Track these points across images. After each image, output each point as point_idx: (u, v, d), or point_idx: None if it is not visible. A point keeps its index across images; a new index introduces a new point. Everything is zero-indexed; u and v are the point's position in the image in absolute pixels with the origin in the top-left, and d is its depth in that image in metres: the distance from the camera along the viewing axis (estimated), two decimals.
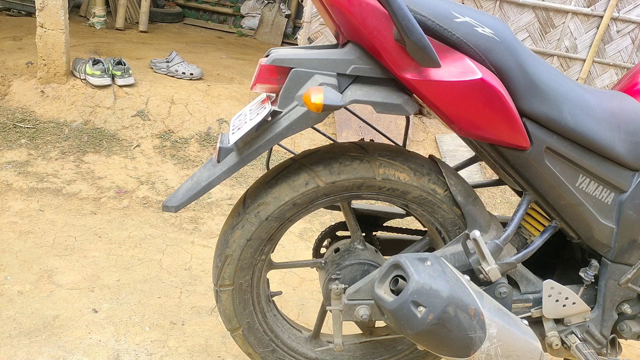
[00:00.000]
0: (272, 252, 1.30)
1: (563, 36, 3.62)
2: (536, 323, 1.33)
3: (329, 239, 1.51)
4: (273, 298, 1.43)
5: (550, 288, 1.28)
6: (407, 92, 1.08)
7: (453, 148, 3.44)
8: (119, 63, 3.15)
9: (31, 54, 3.34)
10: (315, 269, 1.47)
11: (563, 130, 1.13)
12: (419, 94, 1.05)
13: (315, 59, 1.04)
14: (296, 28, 5.82)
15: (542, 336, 1.33)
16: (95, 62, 3.10)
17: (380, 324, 1.38)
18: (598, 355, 1.36)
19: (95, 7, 4.60)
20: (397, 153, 1.21)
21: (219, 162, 1.11)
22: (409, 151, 1.24)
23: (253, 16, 5.87)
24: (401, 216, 1.51)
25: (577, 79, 3.72)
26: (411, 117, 3.26)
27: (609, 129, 1.18)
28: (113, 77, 3.15)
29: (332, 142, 1.36)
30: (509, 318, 1.13)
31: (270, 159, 1.44)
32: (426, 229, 1.40)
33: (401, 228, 1.56)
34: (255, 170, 3.00)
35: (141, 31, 4.76)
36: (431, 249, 1.37)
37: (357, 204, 1.47)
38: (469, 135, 1.10)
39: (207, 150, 3.05)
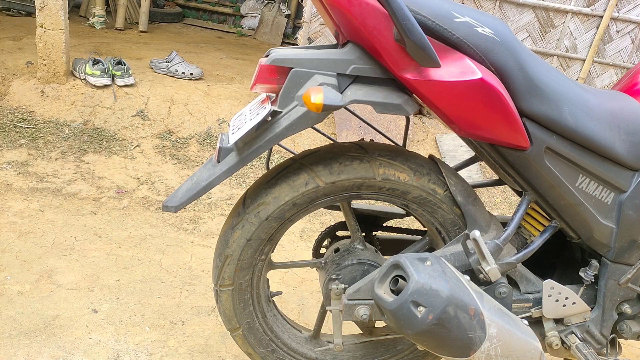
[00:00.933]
0: (272, 252, 1.30)
1: (563, 36, 3.62)
2: (536, 323, 1.33)
3: (329, 239, 1.51)
4: (273, 298, 1.43)
5: (550, 288, 1.28)
6: (407, 92, 1.08)
7: (453, 148, 3.44)
8: (119, 63, 3.15)
9: (31, 54, 3.34)
10: (315, 269, 1.47)
11: (563, 130, 1.13)
12: (419, 94, 1.05)
13: (315, 59, 1.04)
14: (296, 28, 5.82)
15: (542, 336, 1.33)
16: (95, 62, 3.10)
17: (380, 324, 1.38)
18: (598, 355, 1.36)
19: (95, 7, 4.60)
20: (397, 153, 1.21)
21: (219, 162, 1.11)
22: (409, 151, 1.24)
23: (253, 16, 5.87)
24: (401, 216, 1.51)
25: (577, 79, 3.72)
26: (411, 117, 3.26)
27: (609, 129, 1.18)
28: (113, 77, 3.15)
29: (332, 142, 1.36)
30: (509, 318, 1.13)
31: (270, 159, 1.44)
32: (426, 229, 1.40)
33: (401, 228, 1.56)
34: (255, 170, 3.00)
35: (141, 31, 4.76)
36: (431, 249, 1.37)
37: (357, 204, 1.47)
38: (469, 135, 1.10)
39: (207, 150, 3.05)
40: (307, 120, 1.03)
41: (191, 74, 3.54)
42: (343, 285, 1.26)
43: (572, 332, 1.33)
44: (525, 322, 1.20)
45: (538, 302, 1.31)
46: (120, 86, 3.17)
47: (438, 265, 1.09)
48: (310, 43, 3.54)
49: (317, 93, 0.95)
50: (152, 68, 3.60)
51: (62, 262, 1.98)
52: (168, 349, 1.66)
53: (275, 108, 1.05)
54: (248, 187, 1.26)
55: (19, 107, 3.01)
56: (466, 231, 1.24)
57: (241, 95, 3.47)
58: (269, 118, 1.07)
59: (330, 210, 2.32)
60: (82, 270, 1.96)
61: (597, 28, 3.58)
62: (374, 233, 1.52)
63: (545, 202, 1.22)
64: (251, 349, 1.37)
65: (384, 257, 1.36)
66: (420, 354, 1.45)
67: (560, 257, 1.47)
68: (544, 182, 1.17)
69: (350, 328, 1.56)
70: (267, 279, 1.38)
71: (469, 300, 1.06)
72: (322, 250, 1.51)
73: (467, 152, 3.39)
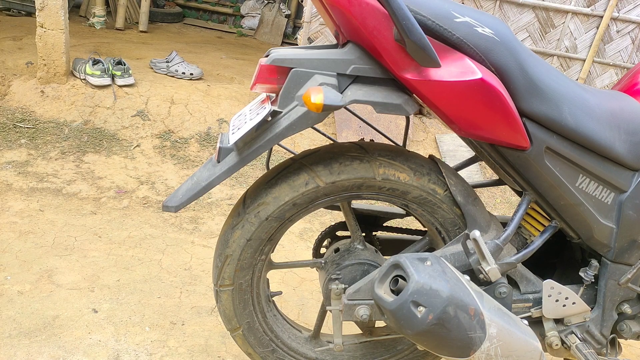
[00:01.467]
0: (272, 252, 1.30)
1: (563, 36, 3.62)
2: (536, 323, 1.33)
3: (329, 239, 1.51)
4: (273, 298, 1.43)
5: (550, 288, 1.28)
6: (407, 92, 1.08)
7: (453, 148, 3.44)
8: (119, 63, 3.15)
9: (31, 54, 3.34)
10: (315, 269, 1.47)
11: (563, 130, 1.13)
12: (419, 94, 1.05)
13: (315, 59, 1.04)
14: (296, 28, 5.82)
15: (542, 336, 1.33)
16: (95, 62, 3.10)
17: (380, 324, 1.38)
18: (598, 355, 1.36)
19: (95, 7, 4.60)
20: (397, 153, 1.21)
21: (219, 162, 1.11)
22: (409, 151, 1.24)
23: (253, 16, 5.87)
24: (401, 216, 1.51)
25: (577, 79, 3.72)
26: (411, 117, 3.26)
27: (609, 129, 1.18)
28: (113, 77, 3.15)
29: (332, 142, 1.36)
30: (509, 318, 1.13)
31: (270, 159, 1.44)
32: (426, 229, 1.40)
33: (401, 228, 1.56)
34: (255, 170, 3.00)
35: (141, 31, 4.76)
36: (431, 249, 1.37)
37: (357, 204, 1.47)
38: (469, 135, 1.10)
39: (207, 150, 3.05)
40: (307, 120, 1.03)
41: (191, 74, 3.54)
42: (343, 285, 1.26)
43: (572, 332, 1.33)
44: (525, 322, 1.20)
45: (538, 302, 1.31)
46: (120, 86, 3.17)
47: (438, 265, 1.09)
48: (310, 43, 3.54)
49: (317, 93, 0.95)
50: (152, 68, 3.60)
51: (62, 262, 1.98)
52: (168, 349, 1.66)
53: (275, 108, 1.05)
54: (248, 187, 1.26)
55: (19, 107, 3.01)
56: (466, 231, 1.24)
57: (241, 95, 3.47)
58: (269, 118, 1.07)
59: (330, 210, 2.32)
60: (82, 270, 1.96)
61: (597, 28, 3.58)
62: (374, 233, 1.52)
63: (545, 202, 1.22)
64: (251, 349, 1.37)
65: (384, 257, 1.36)
66: (420, 354, 1.45)
67: (560, 257, 1.47)
68: (544, 182, 1.17)
69: (350, 328, 1.56)
70: (267, 279, 1.38)
71: (469, 300, 1.06)
72: (322, 250, 1.51)
73: (467, 152, 3.39)
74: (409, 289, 1.04)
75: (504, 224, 1.28)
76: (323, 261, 1.37)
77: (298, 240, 2.46)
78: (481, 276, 1.20)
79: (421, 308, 1.03)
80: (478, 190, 2.99)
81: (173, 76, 3.53)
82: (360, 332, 1.45)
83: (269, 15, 5.62)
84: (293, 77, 1.04)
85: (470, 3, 3.53)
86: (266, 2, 5.83)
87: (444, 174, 1.22)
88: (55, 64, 3.04)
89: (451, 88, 1.02)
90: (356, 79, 1.06)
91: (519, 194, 1.35)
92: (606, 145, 1.17)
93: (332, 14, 1.04)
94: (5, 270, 1.88)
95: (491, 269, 1.16)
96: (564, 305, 1.30)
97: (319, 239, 1.51)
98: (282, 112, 1.05)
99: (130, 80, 3.19)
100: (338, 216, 2.71)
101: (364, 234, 1.42)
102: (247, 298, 1.29)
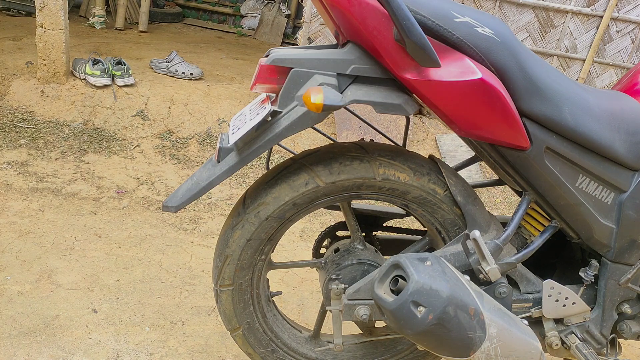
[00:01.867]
0: (272, 252, 1.30)
1: (563, 36, 3.62)
2: (536, 323, 1.33)
3: (329, 239, 1.51)
4: (273, 298, 1.43)
5: (550, 288, 1.28)
6: (407, 92, 1.08)
7: (453, 148, 3.44)
8: (119, 63, 3.15)
9: (31, 54, 3.34)
10: (315, 269, 1.47)
11: (563, 130, 1.13)
12: (419, 94, 1.05)
13: (315, 59, 1.04)
14: (296, 28, 5.82)
15: (542, 336, 1.33)
16: (95, 62, 3.10)
17: (380, 324, 1.38)
18: (598, 355, 1.36)
19: (95, 7, 4.60)
20: (397, 153, 1.21)
21: (219, 162, 1.11)
22: (409, 151, 1.24)
23: (253, 16, 5.87)
24: (401, 216, 1.51)
25: (577, 79, 3.72)
26: (411, 117, 3.26)
27: (609, 129, 1.18)
28: (113, 77, 3.15)
29: (332, 142, 1.36)
30: (509, 318, 1.13)
31: (270, 159, 1.44)
32: (426, 229, 1.40)
33: (401, 228, 1.56)
34: (255, 170, 3.00)
35: (141, 31, 4.76)
36: (431, 249, 1.37)
37: (357, 204, 1.47)
38: (469, 135, 1.10)
39: (207, 150, 3.05)
40: (307, 120, 1.03)
41: (191, 74, 3.54)
42: (343, 285, 1.26)
43: (572, 332, 1.33)
44: (525, 322, 1.20)
45: (538, 302, 1.31)
46: (120, 86, 3.17)
47: (438, 265, 1.09)
48: (310, 43, 3.54)
49: (317, 93, 0.95)
50: (152, 68, 3.60)
51: (62, 262, 1.98)
52: (168, 349, 1.66)
53: (275, 108, 1.05)
54: (248, 187, 1.26)
55: (19, 107, 3.01)
56: (466, 231, 1.24)
57: (241, 95, 3.47)
58: (269, 118, 1.07)
59: (330, 210, 2.32)
60: (82, 270, 1.96)
61: (597, 28, 3.58)
62: (374, 233, 1.52)
63: (545, 202, 1.22)
64: (251, 349, 1.37)
65: (384, 257, 1.36)
66: (420, 354, 1.45)
67: (560, 257, 1.47)
68: (544, 182, 1.17)
69: (350, 328, 1.56)
70: (267, 279, 1.38)
71: (469, 300, 1.06)
72: (322, 250, 1.51)
73: (467, 152, 3.39)
74: (409, 289, 1.04)
75: (504, 224, 1.28)
76: (323, 261, 1.37)
77: (298, 240, 2.46)
78: (481, 276, 1.20)
79: (421, 308, 1.03)
80: (478, 190, 2.99)
81: (173, 76, 3.53)
82: (360, 332, 1.45)
83: (269, 15, 5.62)
84: (293, 77, 1.04)
85: (470, 3, 3.53)
86: (266, 2, 5.84)
87: (444, 174, 1.22)
88: (55, 64, 3.04)
89: (451, 88, 1.02)
90: (356, 79, 1.06)
91: (519, 194, 1.35)
92: (606, 145, 1.17)
93: (332, 14, 1.04)
94: (5, 270, 1.88)
95: (491, 269, 1.16)
96: (564, 305, 1.30)
97: (319, 239, 1.51)
98: (282, 112, 1.05)
99: (130, 80, 3.19)
100: (338, 216, 2.71)
101: (364, 234, 1.42)
102: (247, 298, 1.29)
